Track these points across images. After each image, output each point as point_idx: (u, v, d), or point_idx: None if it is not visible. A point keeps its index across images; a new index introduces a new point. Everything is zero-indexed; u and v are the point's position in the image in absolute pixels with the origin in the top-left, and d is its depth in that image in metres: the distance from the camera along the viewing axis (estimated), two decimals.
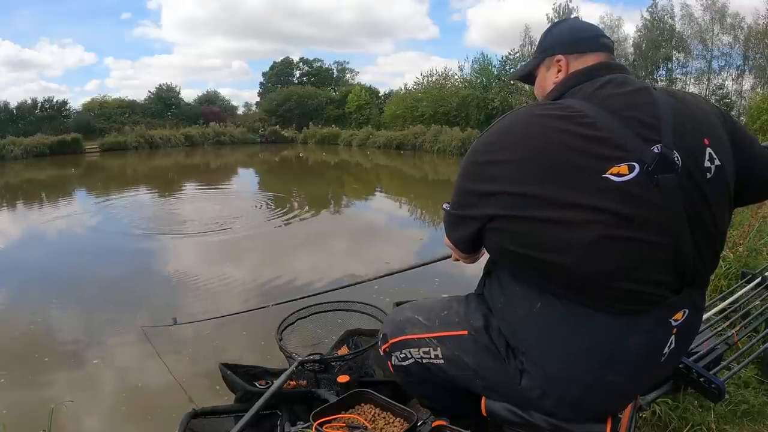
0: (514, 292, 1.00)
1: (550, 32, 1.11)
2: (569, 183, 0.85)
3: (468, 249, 1.09)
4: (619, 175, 0.84)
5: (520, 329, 1.01)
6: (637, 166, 0.84)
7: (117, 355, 3.60)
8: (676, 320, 0.93)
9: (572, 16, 23.10)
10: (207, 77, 63.20)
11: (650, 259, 0.87)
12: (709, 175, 0.89)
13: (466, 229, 1.01)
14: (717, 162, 0.90)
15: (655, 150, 0.85)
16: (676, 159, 0.86)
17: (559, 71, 1.05)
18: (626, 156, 0.85)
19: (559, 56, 1.05)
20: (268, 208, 9.56)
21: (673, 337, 0.95)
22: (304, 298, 2.01)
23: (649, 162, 0.84)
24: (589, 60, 1.02)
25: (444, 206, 1.07)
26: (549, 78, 1.07)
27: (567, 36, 1.06)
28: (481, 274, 1.16)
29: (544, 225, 0.87)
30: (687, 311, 0.94)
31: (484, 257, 1.15)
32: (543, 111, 0.93)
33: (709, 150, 0.90)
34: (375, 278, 2.08)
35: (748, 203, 1.14)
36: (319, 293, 2.03)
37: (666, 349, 0.96)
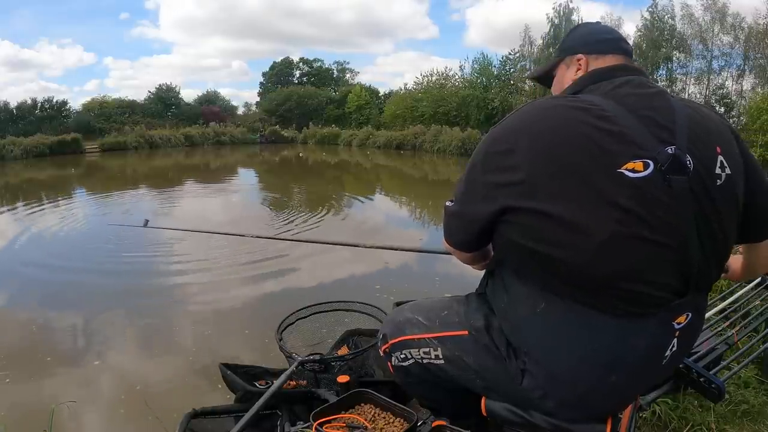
0: (518, 292, 0.99)
1: (572, 33, 1.14)
2: (585, 175, 0.85)
3: (469, 248, 1.07)
4: (633, 170, 0.84)
5: (522, 329, 1.00)
6: (651, 163, 0.84)
7: (118, 356, 3.60)
8: (678, 323, 0.93)
9: (573, 17, 23.20)
10: (206, 77, 63.67)
11: (658, 261, 0.86)
12: (719, 182, 0.89)
13: (474, 227, 0.99)
14: (728, 170, 0.90)
15: (669, 151, 0.85)
16: (688, 162, 0.86)
17: (578, 70, 1.06)
18: (641, 153, 0.84)
19: (580, 55, 1.06)
20: (269, 208, 9.57)
21: (675, 339, 0.95)
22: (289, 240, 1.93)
23: (663, 161, 0.84)
24: (608, 60, 1.03)
25: (447, 204, 1.04)
26: (568, 76, 1.08)
27: (588, 37, 1.08)
28: (483, 273, 1.15)
29: (557, 220, 0.86)
30: (690, 314, 0.93)
31: None
32: (563, 102, 0.92)
33: (720, 158, 0.90)
34: (370, 246, 1.96)
35: (745, 239, 1.05)
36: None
37: (668, 352, 0.95)
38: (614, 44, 1.06)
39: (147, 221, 2.96)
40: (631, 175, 0.83)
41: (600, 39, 1.07)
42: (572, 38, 1.11)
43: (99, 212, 9.73)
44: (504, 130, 0.95)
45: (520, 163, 0.89)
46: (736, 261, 1.21)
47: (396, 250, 1.95)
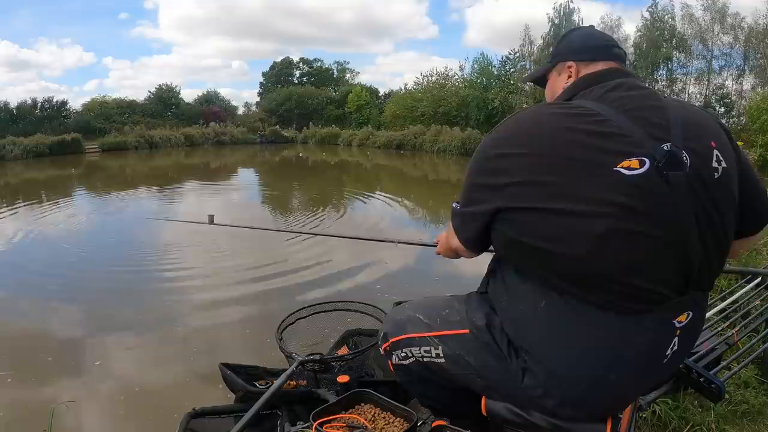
0: (519, 290, 1.00)
1: (564, 39, 1.15)
2: (581, 175, 0.86)
3: (476, 247, 1.08)
4: (630, 168, 0.84)
5: (524, 327, 1.01)
6: (647, 161, 0.85)
7: (118, 356, 3.60)
8: (680, 322, 0.93)
9: (573, 17, 23.19)
10: (206, 77, 63.75)
11: (658, 257, 0.87)
12: (716, 175, 0.90)
13: (475, 226, 1.01)
14: (723, 164, 0.91)
15: (665, 147, 0.86)
16: (684, 158, 0.87)
17: (569, 77, 1.08)
18: (637, 151, 0.85)
19: (570, 62, 1.08)
20: (270, 211, 9.57)
21: (676, 338, 0.95)
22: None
23: (659, 158, 0.85)
24: (599, 67, 1.04)
25: (454, 205, 1.07)
26: (559, 83, 1.10)
27: (580, 43, 1.09)
28: (485, 272, 1.15)
29: (554, 215, 0.87)
30: (691, 313, 0.94)
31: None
32: (555, 110, 0.94)
33: (716, 152, 0.91)
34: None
35: (738, 234, 1.03)
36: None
37: (669, 351, 0.96)
38: (605, 51, 1.07)
39: (212, 217, 2.36)
40: (627, 172, 0.84)
41: (591, 46, 1.08)
42: (564, 45, 1.13)
43: (97, 214, 9.72)
44: (500, 135, 0.96)
45: (513, 165, 0.90)
46: None
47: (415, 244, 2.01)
